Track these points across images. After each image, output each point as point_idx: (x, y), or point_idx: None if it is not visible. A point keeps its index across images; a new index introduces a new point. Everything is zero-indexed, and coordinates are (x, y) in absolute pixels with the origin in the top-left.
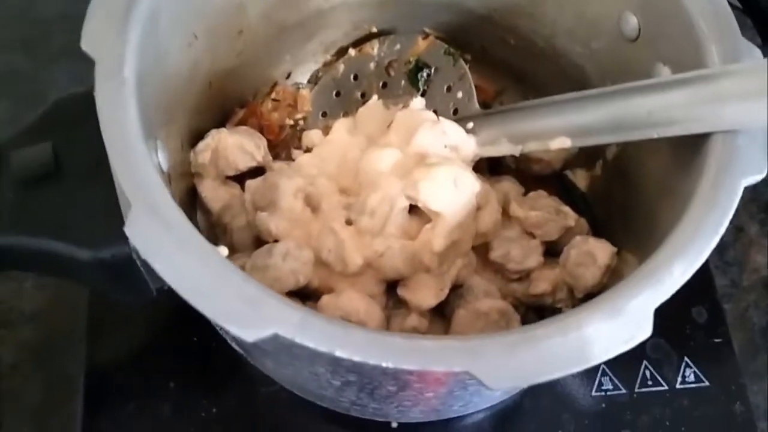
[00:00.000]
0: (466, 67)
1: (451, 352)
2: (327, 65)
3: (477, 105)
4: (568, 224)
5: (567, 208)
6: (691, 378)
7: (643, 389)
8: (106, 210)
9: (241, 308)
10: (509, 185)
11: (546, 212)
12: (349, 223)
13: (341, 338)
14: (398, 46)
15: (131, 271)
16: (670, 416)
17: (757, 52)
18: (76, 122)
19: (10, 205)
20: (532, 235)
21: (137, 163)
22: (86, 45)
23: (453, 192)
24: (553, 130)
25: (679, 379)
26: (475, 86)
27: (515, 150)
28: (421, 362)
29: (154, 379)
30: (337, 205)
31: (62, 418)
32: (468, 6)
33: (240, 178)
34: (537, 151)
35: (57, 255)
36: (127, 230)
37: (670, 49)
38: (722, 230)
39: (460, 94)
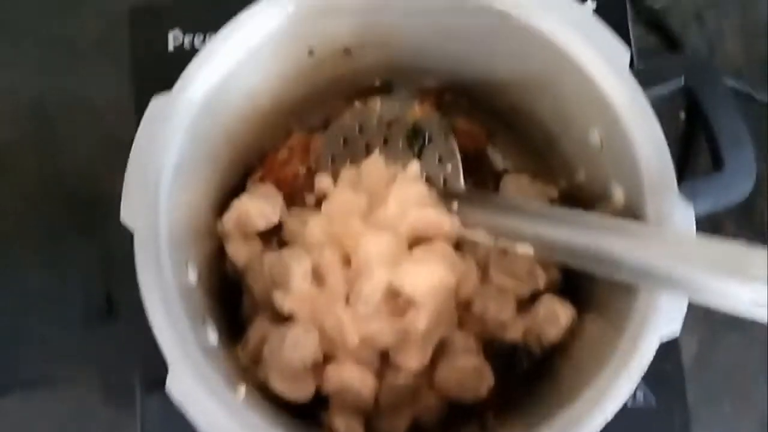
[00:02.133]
0: (455, 145)
1: None
2: (335, 109)
3: (462, 183)
4: (538, 287)
5: (540, 271)
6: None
7: None
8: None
9: None
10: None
11: (519, 279)
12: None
13: None
14: (397, 108)
15: None
16: None
17: (690, 212)
18: (129, 265)
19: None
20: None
21: (175, 327)
22: (125, 217)
23: (435, 285)
24: (520, 235)
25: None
26: (469, 133)
27: (490, 241)
28: None
29: None
30: (340, 279)
31: None
32: (461, 74)
33: None
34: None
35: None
36: (168, 385)
37: (622, 177)
38: (636, 381)
39: (449, 168)
